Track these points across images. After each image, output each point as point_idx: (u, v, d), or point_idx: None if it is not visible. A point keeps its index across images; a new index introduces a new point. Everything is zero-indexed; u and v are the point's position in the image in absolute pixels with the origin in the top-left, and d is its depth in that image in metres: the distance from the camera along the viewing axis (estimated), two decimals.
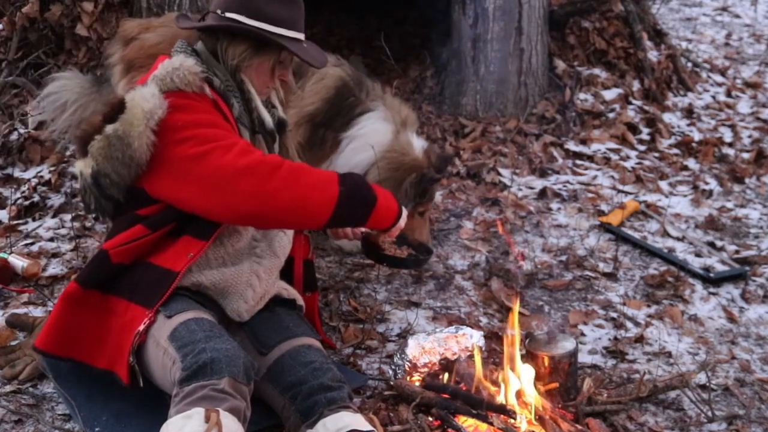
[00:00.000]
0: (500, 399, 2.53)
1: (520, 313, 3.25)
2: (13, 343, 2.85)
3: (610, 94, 5.46)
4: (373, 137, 3.42)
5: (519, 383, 2.54)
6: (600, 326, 3.24)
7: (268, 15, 2.41)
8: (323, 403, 2.24)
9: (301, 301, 2.67)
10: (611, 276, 3.64)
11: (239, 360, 2.14)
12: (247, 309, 2.48)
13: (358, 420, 2.22)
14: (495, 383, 2.60)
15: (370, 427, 2.22)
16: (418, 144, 3.52)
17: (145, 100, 2.28)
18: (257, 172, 2.24)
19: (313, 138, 3.41)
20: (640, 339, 3.13)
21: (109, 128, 2.29)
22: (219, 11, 2.44)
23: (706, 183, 4.75)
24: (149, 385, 2.36)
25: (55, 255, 3.51)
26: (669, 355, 3.05)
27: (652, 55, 5.85)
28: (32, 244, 3.60)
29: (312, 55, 2.53)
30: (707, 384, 2.82)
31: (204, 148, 2.26)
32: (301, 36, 2.49)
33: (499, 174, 4.57)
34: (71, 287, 2.41)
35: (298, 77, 3.37)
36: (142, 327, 2.27)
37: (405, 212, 2.57)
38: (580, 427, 2.48)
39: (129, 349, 2.27)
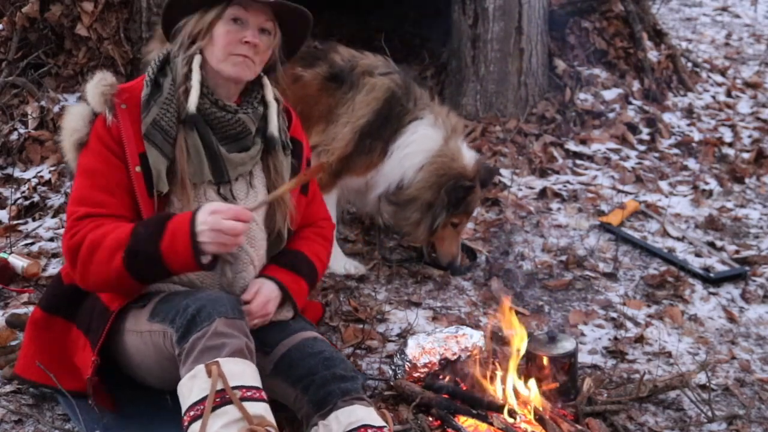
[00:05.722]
0: (500, 398, 2.53)
1: (520, 313, 3.26)
2: (13, 343, 2.84)
3: (610, 94, 5.47)
4: (423, 143, 3.45)
5: (518, 383, 2.55)
6: (600, 326, 3.24)
7: None
8: (337, 394, 2.22)
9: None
10: (611, 276, 3.64)
11: (223, 299, 2.17)
12: None
13: (371, 414, 2.20)
14: (494, 383, 2.60)
15: (382, 423, 2.20)
16: (468, 153, 3.53)
17: (74, 118, 2.31)
18: (68, 258, 2.26)
19: (360, 146, 3.44)
20: (640, 339, 3.13)
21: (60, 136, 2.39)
22: None
23: (706, 183, 4.75)
24: (149, 388, 2.37)
25: (55, 255, 3.51)
26: (669, 355, 3.05)
27: (652, 55, 5.85)
28: (32, 244, 3.60)
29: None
30: (707, 384, 2.82)
31: (69, 206, 2.30)
32: None
33: (499, 174, 4.57)
34: (36, 313, 2.49)
35: (348, 87, 3.43)
36: (90, 373, 2.30)
37: (204, 225, 2.13)
38: (580, 427, 2.48)
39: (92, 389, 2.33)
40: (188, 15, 2.35)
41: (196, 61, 2.33)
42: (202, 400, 2.00)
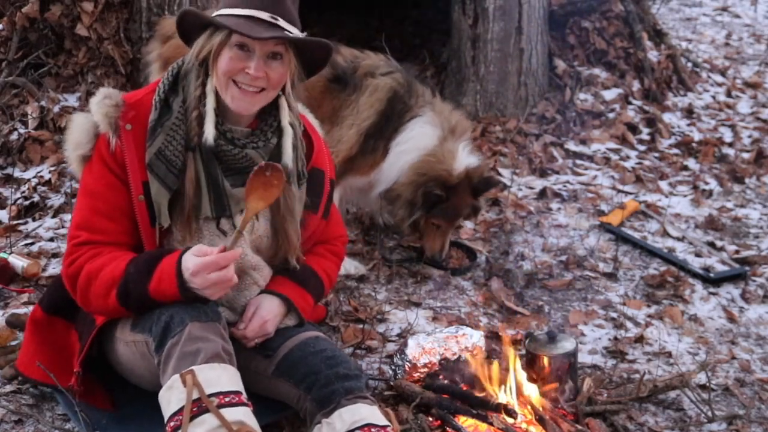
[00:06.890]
0: (500, 399, 2.53)
1: (519, 313, 3.27)
2: (13, 343, 2.84)
3: (610, 94, 5.47)
4: (419, 141, 3.45)
5: (519, 383, 2.55)
6: (600, 326, 3.24)
7: (228, 2, 2.22)
8: (341, 393, 2.21)
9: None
10: (611, 276, 3.64)
11: (195, 305, 2.13)
12: None
13: (374, 413, 2.19)
14: (494, 382, 2.60)
15: (386, 422, 2.19)
16: (464, 158, 3.47)
17: (78, 130, 2.24)
18: (67, 284, 2.24)
19: (365, 147, 3.47)
20: (640, 339, 3.13)
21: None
22: None
23: (706, 183, 4.75)
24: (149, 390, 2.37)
25: (55, 255, 3.51)
26: (669, 355, 3.05)
27: (652, 55, 5.85)
28: (32, 244, 3.60)
29: (252, 29, 2.14)
30: (707, 384, 2.82)
31: (70, 229, 2.26)
32: (255, 13, 2.17)
33: (499, 174, 4.57)
34: (36, 312, 2.48)
35: (351, 89, 3.45)
36: (73, 381, 2.30)
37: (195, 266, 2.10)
38: (580, 427, 2.48)
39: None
40: (198, 32, 2.23)
41: (211, 84, 2.22)
42: (181, 411, 1.99)
